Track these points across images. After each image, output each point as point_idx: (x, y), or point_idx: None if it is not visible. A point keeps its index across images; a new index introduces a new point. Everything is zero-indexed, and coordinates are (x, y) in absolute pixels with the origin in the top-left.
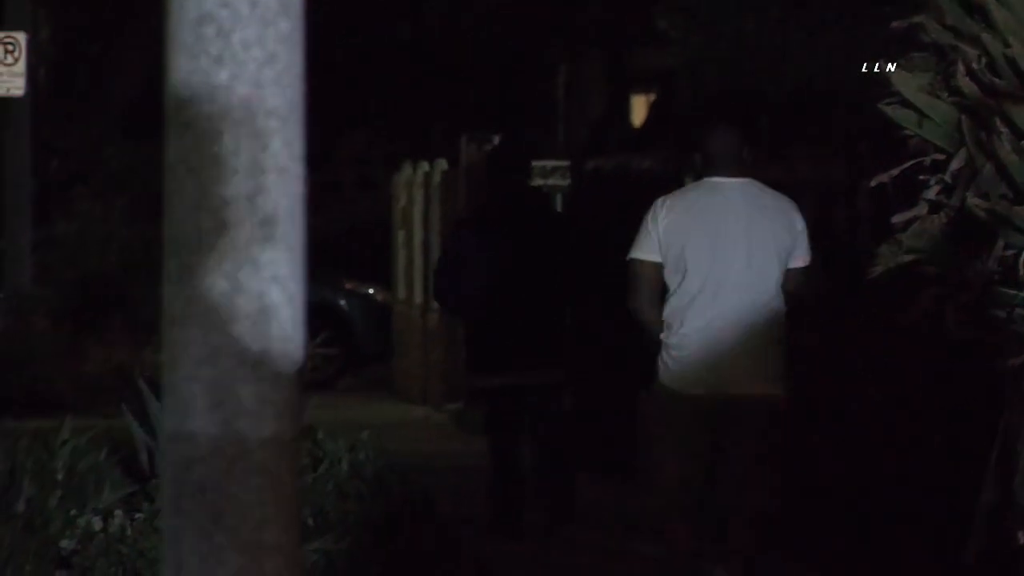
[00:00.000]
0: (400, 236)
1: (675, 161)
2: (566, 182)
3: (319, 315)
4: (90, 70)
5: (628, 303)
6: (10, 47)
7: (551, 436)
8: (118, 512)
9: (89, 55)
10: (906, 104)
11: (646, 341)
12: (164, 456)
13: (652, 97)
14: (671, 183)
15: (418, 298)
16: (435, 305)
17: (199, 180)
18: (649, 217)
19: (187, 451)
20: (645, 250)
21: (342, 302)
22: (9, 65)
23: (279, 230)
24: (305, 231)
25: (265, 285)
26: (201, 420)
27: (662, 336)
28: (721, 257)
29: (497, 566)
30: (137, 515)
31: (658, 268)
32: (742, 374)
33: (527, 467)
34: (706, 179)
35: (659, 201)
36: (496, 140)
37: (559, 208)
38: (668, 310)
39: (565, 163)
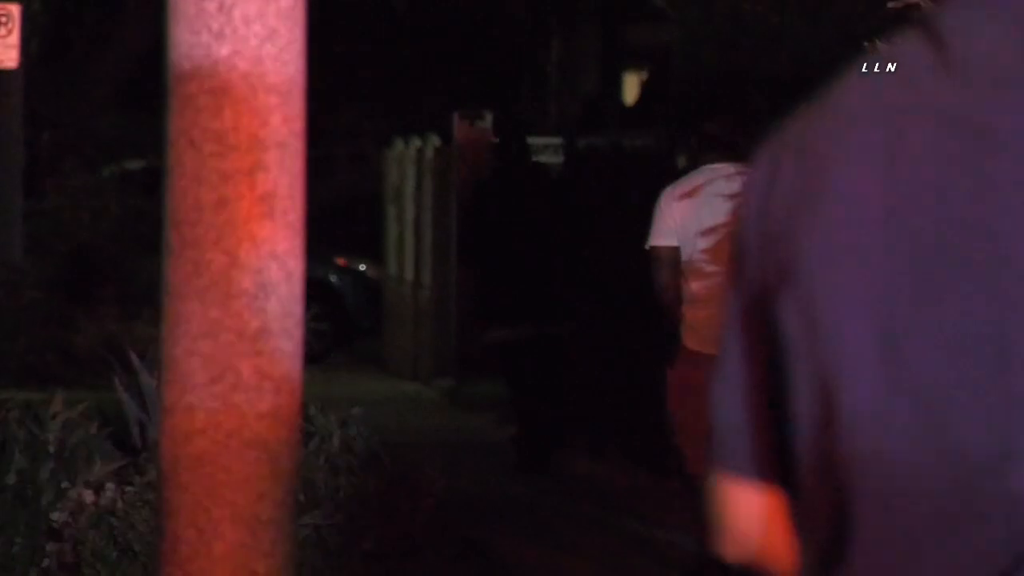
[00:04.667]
0: (392, 212)
1: (669, 140)
2: (558, 159)
3: (310, 290)
4: (83, 41)
5: (654, 287)
6: (3, 19)
7: (546, 386)
8: (109, 485)
9: (82, 25)
10: None
11: (667, 323)
12: (161, 429)
13: (645, 74)
14: (664, 162)
15: (409, 274)
16: (426, 281)
17: (200, 155)
18: (663, 205)
19: (185, 425)
20: (663, 236)
21: (333, 278)
22: (2, 37)
23: (279, 206)
24: (305, 208)
25: (264, 261)
26: (200, 394)
27: (683, 310)
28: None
29: (489, 542)
30: (128, 488)
31: (676, 251)
32: None
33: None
34: (707, 165)
35: (668, 189)
36: (489, 117)
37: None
38: (686, 289)
39: (557, 140)
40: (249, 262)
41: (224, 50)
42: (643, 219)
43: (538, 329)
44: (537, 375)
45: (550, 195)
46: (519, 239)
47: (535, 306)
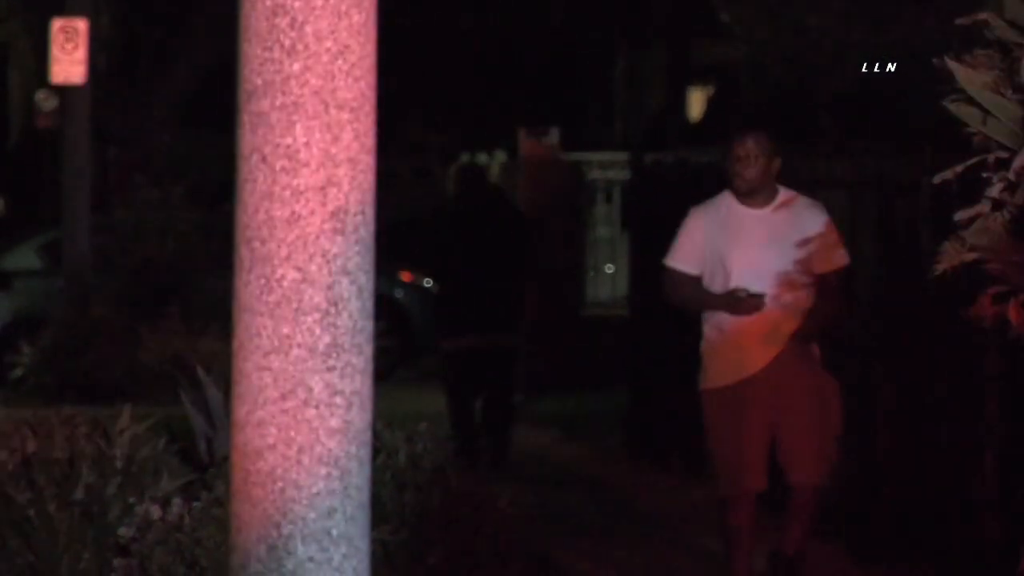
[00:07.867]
0: None
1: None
2: (624, 175)
3: (376, 306)
4: (149, 57)
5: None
6: (70, 35)
7: (499, 392)
8: (176, 500)
9: (149, 42)
10: (970, 101)
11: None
12: (232, 444)
13: (711, 91)
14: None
15: None
16: None
17: (271, 171)
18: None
19: (256, 440)
20: (679, 260)
21: (399, 293)
22: (69, 52)
23: (350, 222)
24: (375, 223)
25: (335, 277)
26: (271, 409)
27: None
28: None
29: (553, 558)
30: (195, 503)
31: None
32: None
33: (478, 415)
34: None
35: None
36: (555, 133)
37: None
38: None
39: (624, 156)
40: (320, 278)
41: (296, 66)
42: None
43: (491, 340)
44: (488, 384)
45: (506, 218)
46: (476, 257)
47: (488, 319)
